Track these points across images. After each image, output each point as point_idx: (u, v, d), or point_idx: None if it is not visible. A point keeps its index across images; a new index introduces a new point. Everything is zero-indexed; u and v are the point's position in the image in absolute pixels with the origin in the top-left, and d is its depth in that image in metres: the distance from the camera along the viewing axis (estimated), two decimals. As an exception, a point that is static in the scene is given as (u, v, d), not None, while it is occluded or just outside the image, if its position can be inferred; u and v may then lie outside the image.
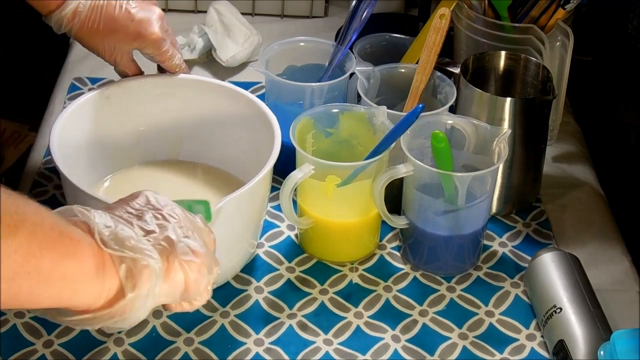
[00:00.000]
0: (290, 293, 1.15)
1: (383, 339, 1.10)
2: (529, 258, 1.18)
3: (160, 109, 1.24)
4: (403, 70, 1.28)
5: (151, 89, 1.23)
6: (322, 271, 1.18)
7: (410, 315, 1.13)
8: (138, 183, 1.24)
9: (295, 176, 1.12)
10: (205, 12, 1.54)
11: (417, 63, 1.25)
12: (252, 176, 1.08)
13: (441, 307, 1.15)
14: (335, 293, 1.16)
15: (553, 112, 1.28)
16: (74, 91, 1.46)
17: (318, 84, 1.26)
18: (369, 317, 1.13)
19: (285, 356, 1.08)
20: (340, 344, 1.10)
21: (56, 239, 0.77)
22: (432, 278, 1.18)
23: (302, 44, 1.33)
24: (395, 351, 1.09)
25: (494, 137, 1.14)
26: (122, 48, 1.21)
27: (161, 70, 1.25)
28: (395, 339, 1.10)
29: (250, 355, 1.08)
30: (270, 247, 1.21)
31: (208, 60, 1.52)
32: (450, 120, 1.18)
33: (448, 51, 1.35)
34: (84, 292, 0.79)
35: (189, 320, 1.11)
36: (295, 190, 1.14)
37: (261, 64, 1.28)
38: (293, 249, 1.21)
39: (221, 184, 1.23)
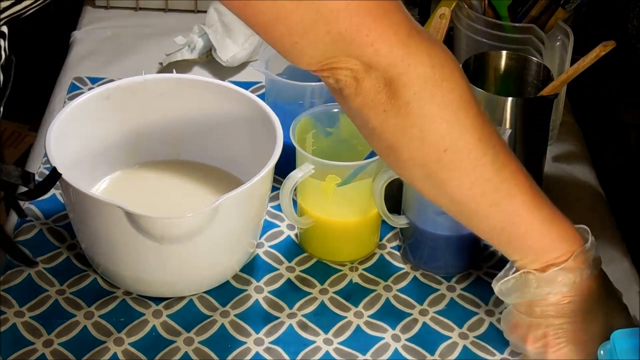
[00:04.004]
0: (290, 293, 1.15)
1: (383, 338, 1.10)
2: (529, 258, 1.18)
3: (160, 109, 1.24)
4: (403, 70, 1.27)
5: (151, 89, 1.23)
6: (322, 271, 1.18)
7: (411, 315, 1.13)
8: (138, 183, 1.24)
9: (295, 176, 1.12)
10: (205, 12, 1.54)
11: (417, 63, 1.24)
12: (253, 176, 1.08)
13: (441, 306, 1.14)
14: (335, 292, 1.16)
15: (553, 112, 1.27)
16: (74, 91, 1.46)
17: (318, 83, 1.25)
18: (369, 316, 1.13)
19: (285, 356, 1.08)
20: (340, 343, 1.10)
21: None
22: (432, 277, 1.18)
23: (302, 43, 1.32)
24: (396, 350, 1.09)
25: (494, 137, 1.14)
26: None
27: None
28: (396, 338, 1.10)
29: (250, 355, 1.08)
30: (270, 246, 1.21)
31: (208, 60, 1.52)
32: (451, 119, 1.18)
33: (448, 51, 1.35)
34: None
35: (189, 320, 1.11)
36: (295, 189, 1.15)
37: (261, 63, 1.28)
38: (293, 249, 1.21)
39: (221, 184, 1.23)
